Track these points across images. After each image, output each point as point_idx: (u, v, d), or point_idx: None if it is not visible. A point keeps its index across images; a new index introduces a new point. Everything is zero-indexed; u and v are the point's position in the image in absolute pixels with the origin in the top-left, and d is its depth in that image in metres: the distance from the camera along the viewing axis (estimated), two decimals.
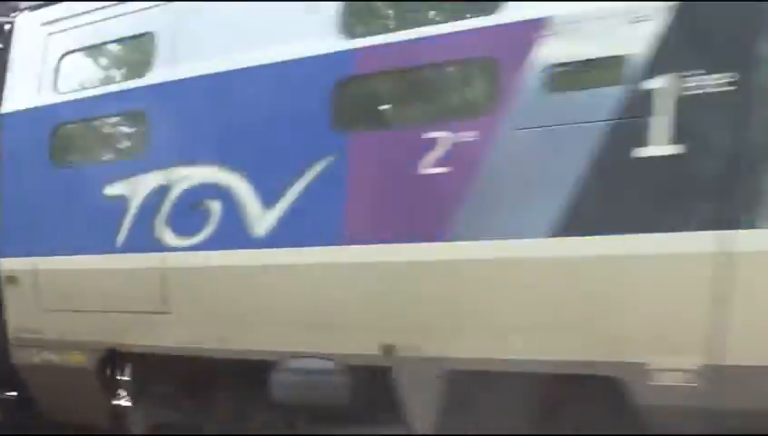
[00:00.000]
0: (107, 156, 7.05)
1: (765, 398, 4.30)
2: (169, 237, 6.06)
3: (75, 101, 6.77)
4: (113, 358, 6.61)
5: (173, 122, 6.21)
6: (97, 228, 6.44)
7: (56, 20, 6.91)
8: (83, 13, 6.71)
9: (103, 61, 6.95)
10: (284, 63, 5.66)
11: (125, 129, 6.90)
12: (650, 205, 4.54)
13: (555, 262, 4.78)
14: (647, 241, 4.51)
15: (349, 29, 5.50)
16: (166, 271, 6.10)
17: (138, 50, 6.63)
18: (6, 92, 7.08)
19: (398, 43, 5.29)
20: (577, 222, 4.69)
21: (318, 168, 5.48)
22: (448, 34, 5.12)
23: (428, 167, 5.08)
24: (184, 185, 6.00)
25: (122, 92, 6.49)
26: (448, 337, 5.14)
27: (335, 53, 5.50)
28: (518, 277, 4.90)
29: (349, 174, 5.45)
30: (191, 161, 6.04)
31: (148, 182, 6.15)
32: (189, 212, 5.98)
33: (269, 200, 5.65)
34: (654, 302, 4.53)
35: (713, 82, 4.32)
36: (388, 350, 5.30)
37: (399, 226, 5.33)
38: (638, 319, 4.59)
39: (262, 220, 5.67)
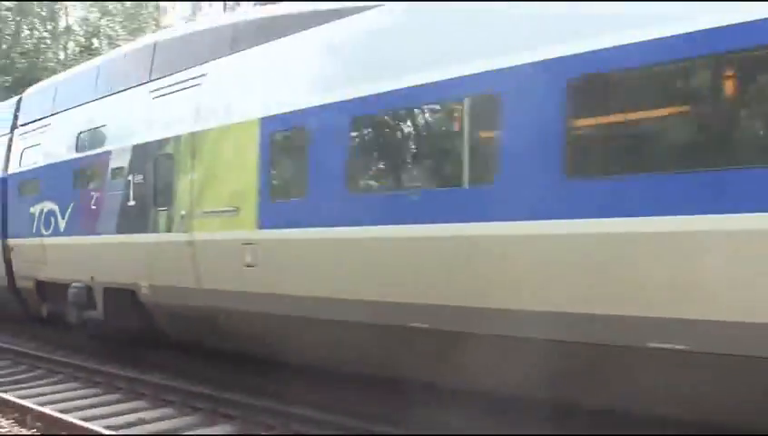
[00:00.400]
0: (33, 195, 15.19)
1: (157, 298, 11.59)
2: (43, 230, 14.57)
3: (29, 170, 15.45)
4: (39, 283, 15.01)
5: (45, 183, 14.71)
6: (30, 226, 15.09)
7: (16, 132, 15.90)
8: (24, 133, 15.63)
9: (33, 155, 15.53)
10: (64, 161, 13.83)
11: (36, 184, 15.15)
12: (130, 222, 11.98)
13: (119, 244, 12.26)
14: (135, 237, 11.87)
15: (79, 147, 13.55)
16: (44, 245, 14.59)
17: (36, 151, 15.19)
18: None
19: (85, 156, 13.25)
20: (121, 228, 12.19)
21: (72, 204, 13.57)
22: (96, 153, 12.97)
23: (94, 205, 12.90)
24: (46, 209, 14.39)
25: (34, 169, 15.11)
26: (105, 273, 12.83)
27: (74, 159, 13.60)
28: (112, 249, 12.43)
29: (80, 205, 13.40)
30: (49, 199, 14.44)
31: (39, 207, 14.67)
32: (47, 220, 14.37)
33: (63, 216, 13.88)
34: (143, 260, 11.87)
35: (141, 179, 11.67)
36: (92, 278, 13.09)
37: (86, 228, 13.12)
38: (136, 266, 11.95)
39: (61, 225, 13.93)
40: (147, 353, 11.50)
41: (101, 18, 42.20)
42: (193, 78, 10.69)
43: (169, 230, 10.88)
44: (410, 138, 8.07)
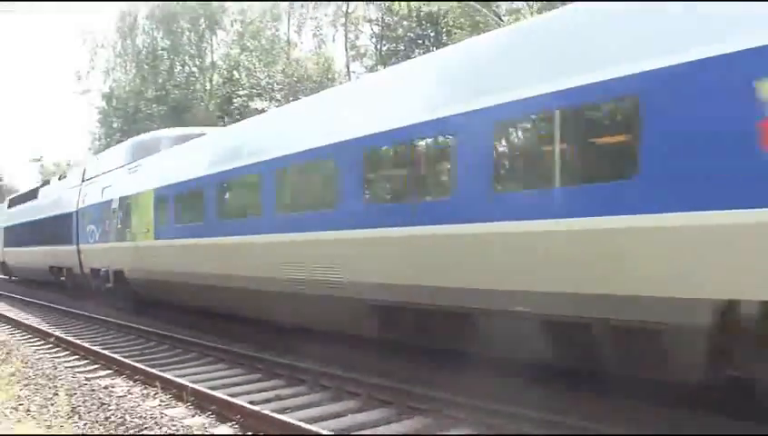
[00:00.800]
0: (87, 221, 21.20)
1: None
2: (90, 240, 20.77)
3: (90, 206, 21.12)
4: (92, 269, 20.52)
5: (90, 214, 20.94)
6: (87, 238, 21.31)
7: (83, 184, 22.47)
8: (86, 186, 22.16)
9: (87, 198, 21.40)
10: (97, 203, 20.44)
11: (89, 215, 21.08)
12: (119, 236, 18.31)
13: (116, 247, 18.35)
14: (121, 243, 18.23)
15: (102, 196, 19.97)
16: (91, 248, 20.67)
17: (88, 196, 21.51)
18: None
19: (103, 201, 19.83)
20: (116, 239, 18.35)
21: (100, 226, 19.87)
22: (108, 200, 19.53)
23: (107, 227, 19.21)
24: (91, 228, 20.61)
25: (87, 206, 21.42)
26: (112, 263, 18.86)
27: (99, 202, 20.28)
28: (114, 250, 18.59)
29: (102, 227, 19.60)
30: (91, 223, 20.62)
31: (89, 227, 20.93)
32: (92, 234, 20.55)
33: (97, 232, 20.04)
34: (125, 255, 18.01)
35: (121, 214, 18.16)
36: (108, 266, 19.14)
37: (105, 239, 19.37)
38: (123, 258, 18.00)
39: (96, 237, 20.13)
40: (280, 340, 11.93)
41: (240, 54, 45.05)
42: (137, 166, 18.07)
43: (131, 240, 17.25)
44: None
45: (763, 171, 5.22)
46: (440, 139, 8.19)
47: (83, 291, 22.01)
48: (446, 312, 8.07)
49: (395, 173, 9.15)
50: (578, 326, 6.60)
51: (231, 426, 7.14)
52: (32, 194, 30.22)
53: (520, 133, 7.71)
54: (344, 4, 43.54)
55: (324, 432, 6.58)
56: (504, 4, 33.50)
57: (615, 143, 6.64)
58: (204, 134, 16.63)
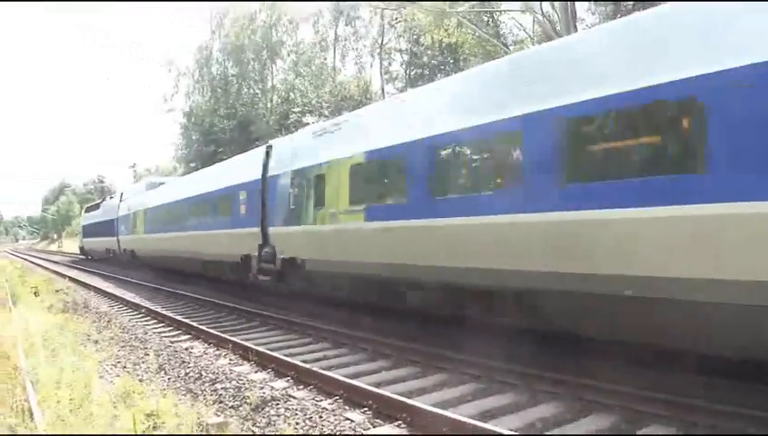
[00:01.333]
0: (122, 224, 28.91)
1: None
2: (122, 233, 29.01)
3: (122, 215, 29.30)
4: (123, 248, 28.62)
5: (122, 221, 29.06)
6: (122, 232, 29.03)
7: (120, 202, 30.52)
8: (123, 202, 29.91)
9: (121, 210, 29.03)
10: (125, 214, 28.64)
11: (123, 220, 28.99)
12: (131, 231, 26.86)
13: (131, 238, 27.21)
14: (132, 236, 27.19)
15: (128, 209, 27.76)
16: (125, 238, 28.34)
17: (122, 209, 29.70)
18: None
19: (126, 214, 28.28)
20: (131, 232, 27.20)
21: (126, 226, 27.99)
22: (127, 213, 27.74)
23: (127, 227, 27.68)
24: (123, 227, 28.70)
25: (121, 215, 29.60)
26: (130, 246, 27.21)
27: (124, 214, 28.80)
28: (132, 240, 27.10)
29: (125, 226, 28.09)
30: (122, 224, 28.96)
31: (122, 227, 29.01)
32: (123, 231, 28.59)
33: (125, 229, 28.26)
34: (135, 242, 26.66)
35: (133, 222, 26.47)
36: (128, 247, 27.08)
37: (126, 233, 27.96)
38: (135, 244, 26.69)
39: (124, 232, 28.39)
40: (326, 311, 11.97)
41: (295, 78, 45.37)
42: (141, 194, 26.46)
43: (136, 233, 25.51)
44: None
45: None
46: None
47: (122, 263, 29.61)
48: (213, 261, 16.87)
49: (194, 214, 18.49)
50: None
51: (397, 425, 5.70)
52: (96, 206, 40.33)
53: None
54: (380, 38, 44.30)
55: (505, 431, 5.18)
56: (510, 36, 33.37)
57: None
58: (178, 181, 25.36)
